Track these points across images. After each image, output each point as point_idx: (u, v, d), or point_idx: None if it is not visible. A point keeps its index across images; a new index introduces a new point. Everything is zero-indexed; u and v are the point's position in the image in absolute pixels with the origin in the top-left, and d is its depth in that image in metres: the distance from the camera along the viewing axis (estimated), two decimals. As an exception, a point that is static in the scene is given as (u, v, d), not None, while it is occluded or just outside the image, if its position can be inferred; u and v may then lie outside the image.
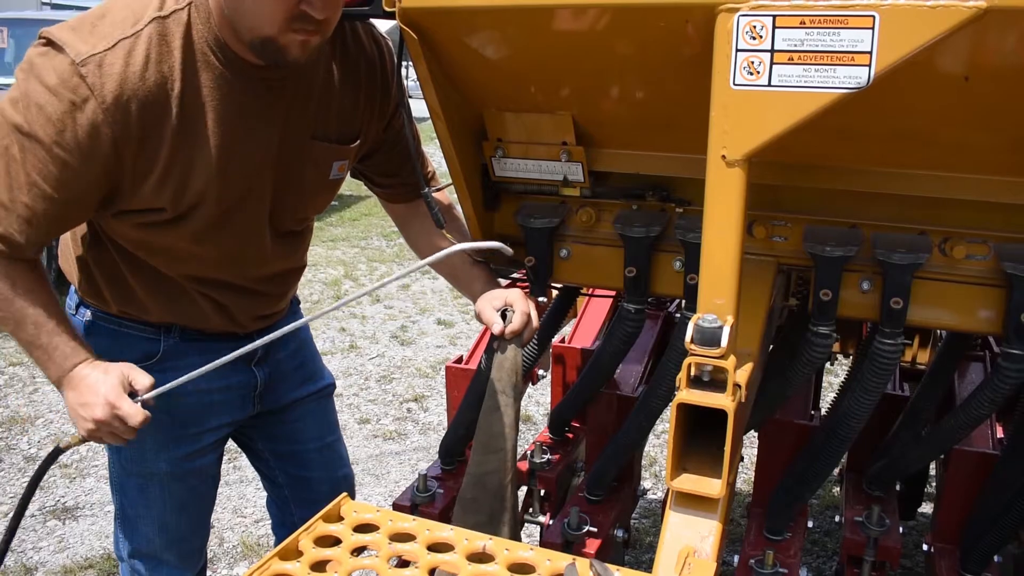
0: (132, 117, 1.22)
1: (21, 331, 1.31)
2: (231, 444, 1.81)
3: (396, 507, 1.78)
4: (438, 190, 1.61)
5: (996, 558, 1.54)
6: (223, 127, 1.31)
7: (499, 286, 1.67)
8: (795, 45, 1.00)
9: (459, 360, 2.14)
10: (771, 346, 1.59)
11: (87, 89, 1.19)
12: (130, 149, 1.25)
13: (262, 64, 1.30)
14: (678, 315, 2.30)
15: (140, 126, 1.24)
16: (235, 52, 1.29)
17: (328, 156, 1.49)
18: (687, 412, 1.12)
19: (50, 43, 1.20)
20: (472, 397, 1.81)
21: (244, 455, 1.90)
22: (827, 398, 3.04)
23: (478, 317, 1.51)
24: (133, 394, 1.33)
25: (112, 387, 1.31)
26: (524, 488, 2.06)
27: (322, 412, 1.86)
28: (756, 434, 1.78)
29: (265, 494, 1.92)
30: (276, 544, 1.38)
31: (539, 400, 4.24)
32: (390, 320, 5.54)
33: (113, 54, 1.20)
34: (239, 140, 1.34)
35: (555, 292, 1.90)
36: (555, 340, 2.24)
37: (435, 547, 1.12)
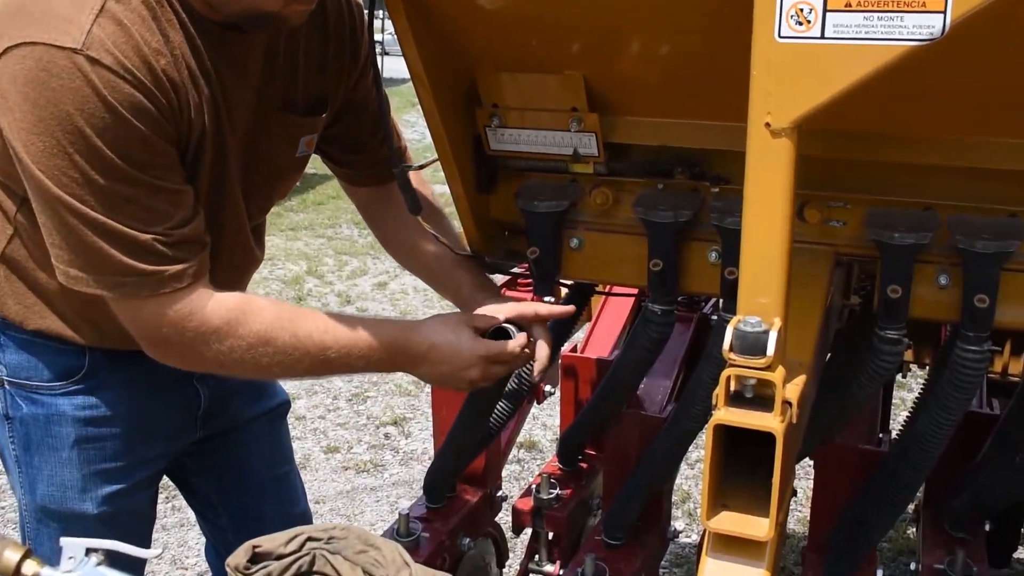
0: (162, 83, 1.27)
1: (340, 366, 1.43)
2: (166, 480, 1.82)
3: (372, 555, 1.78)
4: (417, 168, 1.62)
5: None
6: (209, 98, 1.35)
7: (494, 289, 1.69)
8: (854, -12, 1.00)
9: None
10: (828, 355, 1.59)
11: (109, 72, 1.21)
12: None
13: (231, 24, 1.34)
14: (714, 317, 2.31)
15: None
16: (202, 14, 1.32)
17: (296, 130, 1.52)
18: (726, 436, 1.12)
19: (20, 46, 1.21)
20: (465, 420, 1.82)
21: (180, 492, 1.91)
22: (898, 418, 3.05)
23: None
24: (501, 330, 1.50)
25: (464, 343, 1.46)
26: (528, 531, 2.07)
27: (275, 436, 1.88)
28: (811, 462, 1.79)
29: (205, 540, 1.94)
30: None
31: (546, 423, 4.25)
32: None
33: (102, 28, 1.23)
34: (223, 110, 1.38)
35: (564, 291, 1.91)
36: (565, 349, 2.25)
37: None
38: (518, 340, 1.52)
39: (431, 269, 1.71)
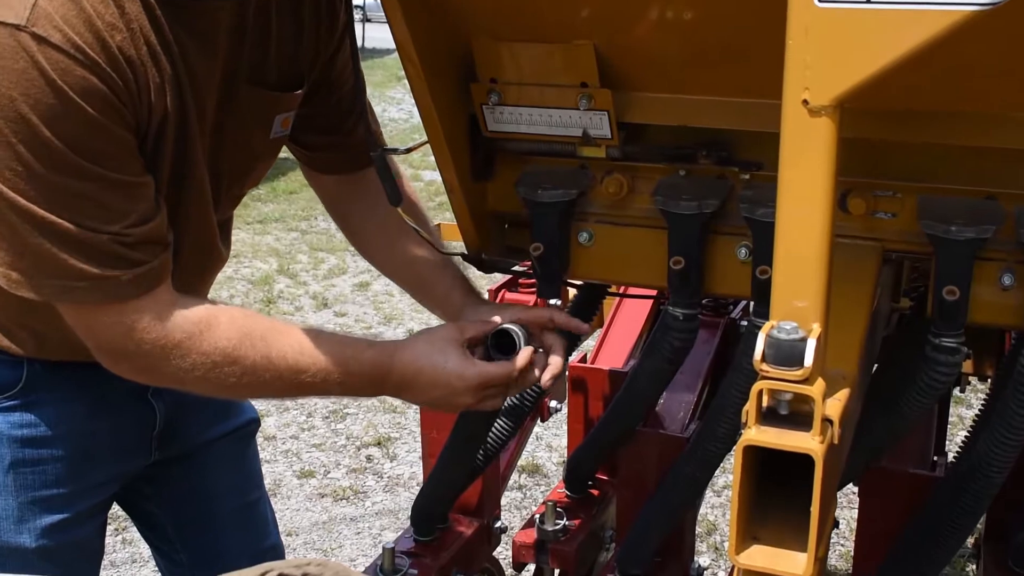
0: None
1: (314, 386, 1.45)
2: (116, 510, 1.82)
3: (352, 595, 1.79)
4: (403, 151, 1.63)
5: None
6: (172, 77, 1.36)
7: (481, 297, 1.70)
8: (904, -55, 1.01)
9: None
10: (875, 366, 1.60)
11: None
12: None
13: None
14: (744, 323, 2.31)
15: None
16: None
17: (270, 108, 1.53)
18: (757, 459, 1.12)
19: None
20: (459, 441, 1.82)
21: (133, 522, 1.92)
22: (956, 438, 3.05)
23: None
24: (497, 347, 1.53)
25: (453, 368, 1.48)
26: (531, 568, 2.07)
27: (241, 459, 1.89)
28: (855, 489, 1.79)
29: (162, 579, 1.95)
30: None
31: (551, 443, 4.26)
32: (344, 331, 5.52)
33: (50, 1, 1.22)
34: (187, 89, 1.38)
35: (572, 292, 1.91)
36: (573, 359, 2.25)
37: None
38: (521, 357, 1.52)
39: (413, 272, 1.72)
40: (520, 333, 1.56)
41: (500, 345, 1.56)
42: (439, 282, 1.69)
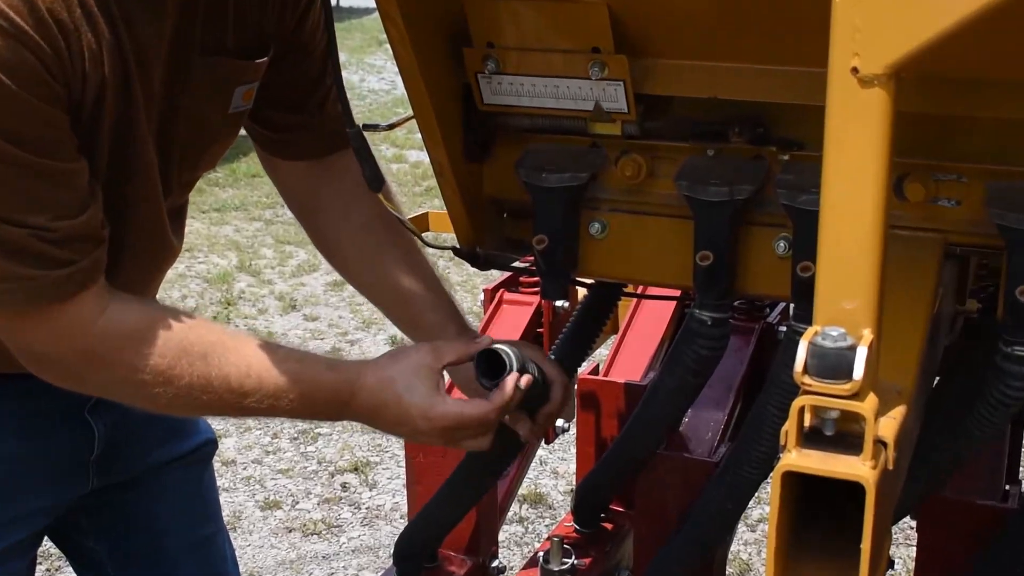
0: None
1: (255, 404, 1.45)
2: (48, 546, 1.82)
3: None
4: (385, 127, 1.61)
5: None
6: (111, 43, 1.35)
7: (469, 327, 1.71)
8: None
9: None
10: (936, 379, 1.59)
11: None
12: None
13: None
14: (782, 329, 2.31)
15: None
16: None
17: (229, 78, 1.53)
18: (799, 487, 1.12)
19: None
20: (464, 468, 1.82)
21: (68, 561, 1.91)
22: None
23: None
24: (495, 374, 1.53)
25: (419, 405, 1.48)
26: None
27: (195, 486, 1.89)
28: (913, 523, 1.78)
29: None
30: None
31: (556, 469, 4.26)
32: (314, 338, 5.56)
33: None
34: (130, 56, 1.38)
35: (582, 293, 1.91)
36: (584, 370, 2.24)
37: None
38: (507, 384, 1.50)
39: (394, 292, 1.72)
40: (512, 355, 1.54)
41: (489, 371, 1.54)
42: (427, 310, 1.70)
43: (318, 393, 1.48)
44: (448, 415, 1.49)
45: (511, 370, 1.53)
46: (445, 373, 1.58)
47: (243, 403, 1.44)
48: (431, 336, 1.67)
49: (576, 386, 2.23)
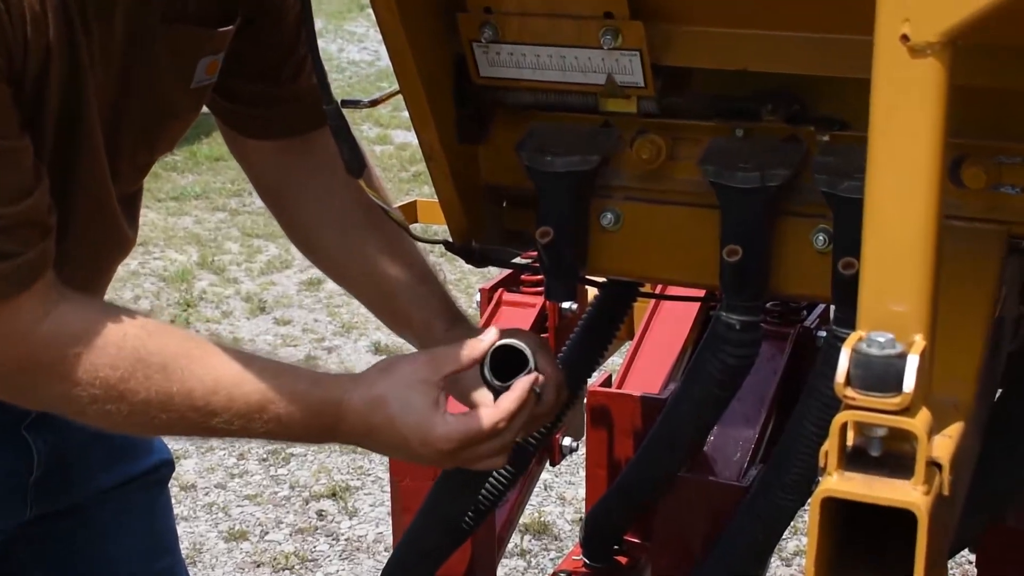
0: None
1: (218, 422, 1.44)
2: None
3: None
4: (368, 103, 1.61)
5: None
6: (58, 7, 1.35)
7: (471, 326, 1.70)
8: None
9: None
10: (998, 390, 1.59)
11: None
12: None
13: None
14: (821, 334, 2.31)
15: None
16: None
17: (192, 48, 1.53)
18: (840, 515, 1.12)
19: None
20: (441, 492, 1.82)
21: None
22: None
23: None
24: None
25: (415, 426, 1.46)
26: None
27: (148, 513, 1.89)
28: (972, 557, 1.78)
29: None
30: None
31: (563, 494, 4.26)
32: (286, 345, 5.56)
33: None
34: (77, 23, 1.38)
35: (593, 293, 1.91)
36: (595, 381, 2.24)
37: None
38: (520, 385, 1.49)
39: (378, 285, 1.72)
40: (529, 351, 1.52)
41: (500, 368, 1.52)
42: (415, 304, 1.70)
43: (298, 414, 1.45)
44: (451, 437, 1.46)
45: (530, 370, 1.51)
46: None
47: (210, 423, 1.42)
48: (420, 333, 1.68)
49: (586, 400, 2.23)
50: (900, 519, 1.08)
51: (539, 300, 2.47)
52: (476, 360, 1.51)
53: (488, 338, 1.53)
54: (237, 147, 1.78)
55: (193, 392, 1.41)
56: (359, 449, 4.48)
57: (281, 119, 1.73)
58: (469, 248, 1.69)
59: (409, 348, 1.70)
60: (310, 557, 3.95)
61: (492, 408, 1.48)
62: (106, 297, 1.78)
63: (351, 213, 1.72)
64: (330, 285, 6.07)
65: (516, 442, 1.61)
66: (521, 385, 1.49)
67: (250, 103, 1.72)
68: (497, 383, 1.51)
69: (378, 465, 4.35)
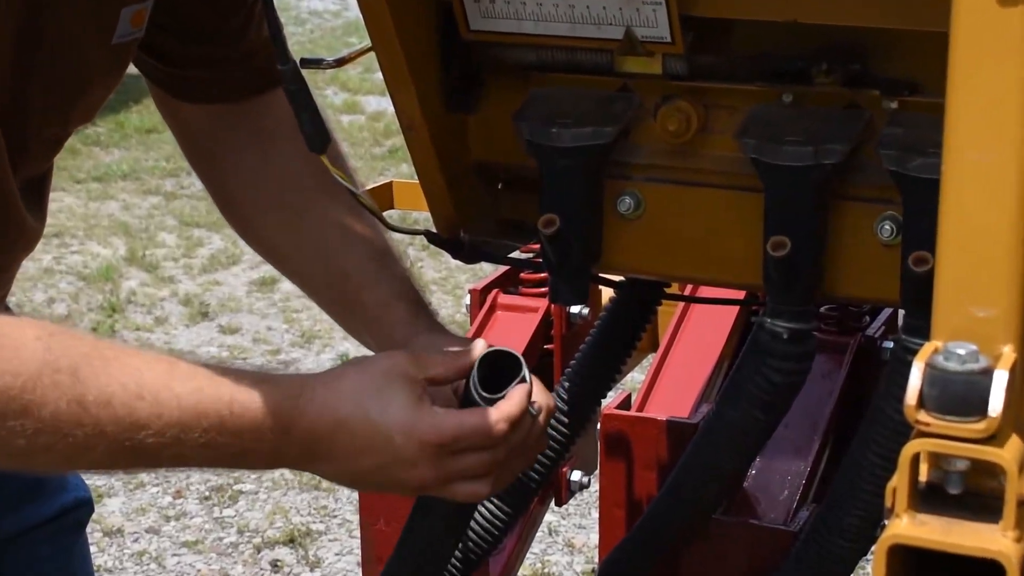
0: None
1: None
2: None
3: None
4: (332, 63, 1.61)
5: None
6: None
7: (438, 323, 1.71)
8: None
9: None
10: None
11: None
12: None
13: None
14: (888, 345, 2.30)
15: None
16: None
17: None
18: (911, 564, 1.12)
19: None
20: (420, 536, 1.82)
21: None
22: None
23: None
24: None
25: (396, 418, 1.44)
26: None
27: (63, 561, 1.90)
28: None
29: None
30: None
31: (572, 540, 4.27)
32: (234, 357, 5.53)
33: None
34: None
35: (607, 295, 1.91)
36: (611, 402, 2.24)
37: None
38: (516, 394, 1.49)
39: (329, 269, 1.73)
40: (521, 357, 1.53)
41: (491, 381, 1.53)
42: (371, 285, 1.70)
43: (245, 417, 1.41)
44: (441, 428, 1.45)
45: (524, 378, 1.51)
46: None
47: (136, 439, 1.38)
48: (376, 318, 1.67)
49: (599, 425, 2.23)
50: (983, 570, 1.08)
51: (542, 304, 2.47)
52: (464, 371, 1.52)
53: (479, 348, 1.54)
54: (169, 110, 1.80)
55: (113, 399, 1.37)
56: (323, 484, 4.50)
57: (222, 82, 1.74)
58: (457, 240, 1.69)
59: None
60: (263, 616, 3.96)
61: (491, 409, 1.48)
62: (10, 300, 1.78)
63: (298, 181, 1.72)
64: (286, 286, 6.08)
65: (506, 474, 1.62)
66: (518, 392, 1.49)
67: (187, 63, 1.73)
68: (482, 393, 1.51)
69: (345, 505, 4.36)
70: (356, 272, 1.72)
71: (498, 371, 1.53)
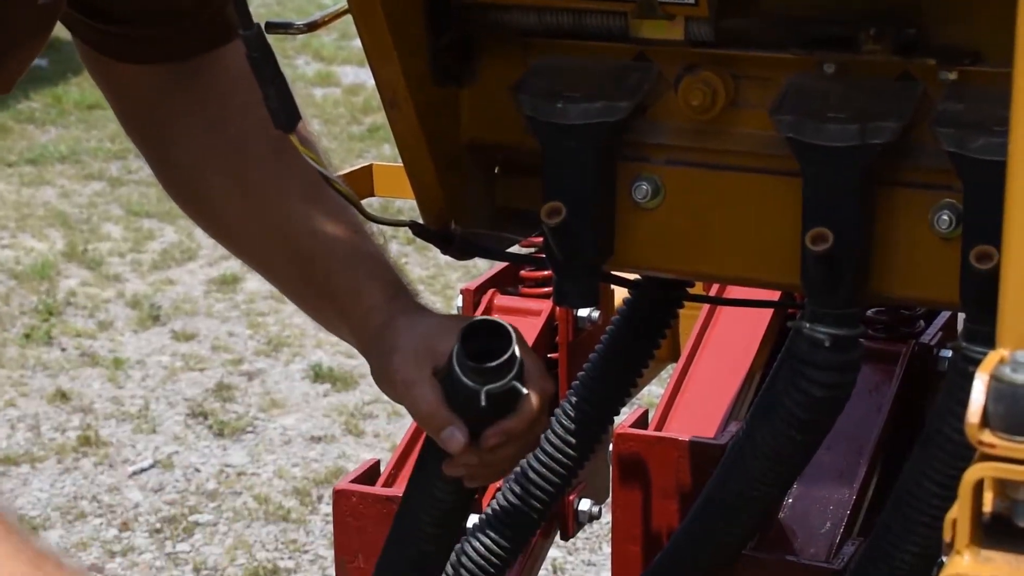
0: None
1: None
2: None
3: None
4: (303, 28, 1.62)
5: None
6: None
7: (419, 305, 1.73)
8: None
9: (369, 473, 2.19)
10: None
11: None
12: None
13: None
14: (946, 354, 2.30)
15: None
16: None
17: None
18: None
19: None
20: (399, 569, 1.83)
21: None
22: None
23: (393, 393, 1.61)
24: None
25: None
26: None
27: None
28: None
29: None
30: None
31: (583, 582, 4.27)
32: (189, 368, 5.55)
33: None
34: None
35: (621, 295, 1.91)
36: (626, 419, 2.25)
37: None
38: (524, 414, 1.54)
39: (295, 251, 1.74)
40: (512, 332, 1.58)
41: (476, 352, 1.58)
42: (341, 267, 1.71)
43: None
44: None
45: (514, 354, 1.57)
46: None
47: None
48: (346, 311, 1.70)
49: (612, 446, 2.23)
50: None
51: (546, 306, 2.48)
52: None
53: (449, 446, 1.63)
54: (101, 71, 1.80)
55: None
56: (291, 516, 4.51)
57: (167, 38, 1.74)
58: (447, 233, 1.70)
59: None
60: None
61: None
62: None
63: (256, 149, 1.73)
64: (250, 285, 6.07)
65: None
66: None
67: (123, 18, 1.73)
68: (475, 364, 1.57)
69: (318, 538, 4.37)
70: (322, 254, 1.73)
71: (490, 334, 1.59)
